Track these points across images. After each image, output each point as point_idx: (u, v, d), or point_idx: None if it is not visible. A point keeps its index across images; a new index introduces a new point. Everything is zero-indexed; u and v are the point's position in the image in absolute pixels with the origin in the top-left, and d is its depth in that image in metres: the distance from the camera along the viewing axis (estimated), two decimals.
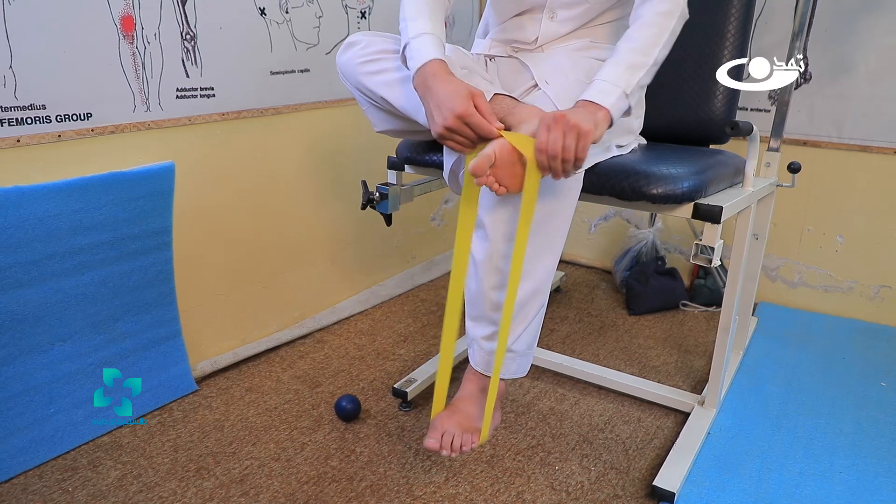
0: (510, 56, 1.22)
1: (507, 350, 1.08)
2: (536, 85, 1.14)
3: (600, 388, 1.53)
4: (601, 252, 2.32)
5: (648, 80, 1.05)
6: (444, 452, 1.04)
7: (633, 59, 1.02)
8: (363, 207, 1.35)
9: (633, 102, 1.03)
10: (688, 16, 1.09)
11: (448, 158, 1.12)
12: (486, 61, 1.23)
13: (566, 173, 0.94)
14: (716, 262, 1.08)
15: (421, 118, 1.07)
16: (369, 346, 1.73)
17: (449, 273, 2.27)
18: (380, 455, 1.28)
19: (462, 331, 1.79)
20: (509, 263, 1.03)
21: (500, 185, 0.93)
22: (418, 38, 1.01)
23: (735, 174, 1.25)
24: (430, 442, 1.04)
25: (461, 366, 1.62)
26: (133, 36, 1.27)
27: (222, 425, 1.37)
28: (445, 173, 1.14)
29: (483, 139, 0.96)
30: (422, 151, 1.28)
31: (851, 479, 1.23)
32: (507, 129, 1.00)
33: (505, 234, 1.03)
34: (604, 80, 1.00)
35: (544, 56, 1.18)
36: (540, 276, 1.05)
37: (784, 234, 1.96)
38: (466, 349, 1.17)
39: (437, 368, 1.09)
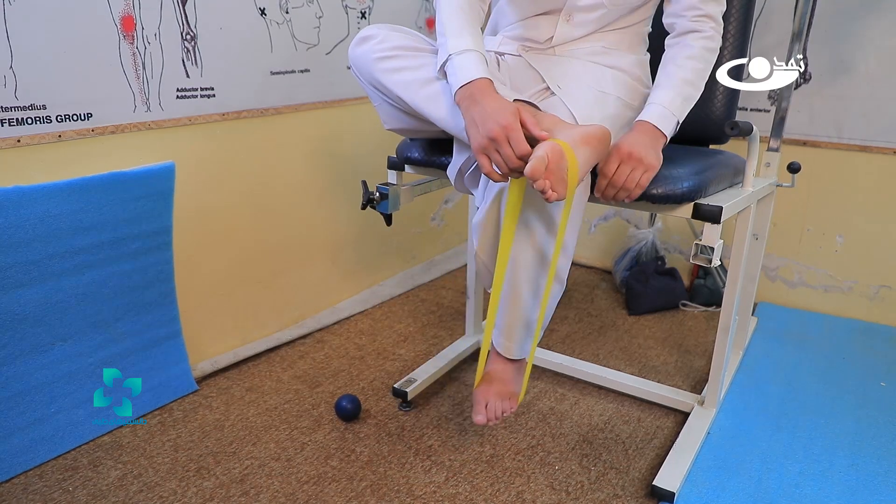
0: (520, 55, 1.22)
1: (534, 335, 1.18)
2: (548, 88, 1.14)
3: (600, 388, 1.53)
4: (601, 252, 2.32)
5: (686, 115, 1.12)
6: (491, 423, 1.15)
7: (687, 91, 1.10)
8: (363, 207, 1.35)
9: (675, 131, 1.11)
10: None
11: (458, 157, 1.12)
12: (497, 59, 1.22)
13: (616, 199, 1.03)
14: (715, 262, 1.08)
15: (436, 119, 1.07)
16: (369, 346, 1.73)
17: (449, 273, 2.29)
18: (380, 455, 1.28)
19: (461, 331, 1.80)
20: (534, 266, 1.09)
21: (552, 191, 0.92)
22: (462, 54, 1.01)
23: (735, 174, 1.25)
24: (479, 418, 1.13)
25: (461, 365, 1.62)
26: (133, 36, 1.27)
27: (222, 425, 1.37)
28: (452, 172, 1.14)
29: (520, 159, 0.95)
30: (422, 151, 1.27)
31: (851, 479, 1.23)
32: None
33: (534, 244, 1.08)
34: (664, 107, 1.07)
35: (556, 60, 1.18)
36: (559, 273, 1.13)
37: (784, 234, 1.97)
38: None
39: (481, 348, 1.19)
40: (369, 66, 1.10)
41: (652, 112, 1.07)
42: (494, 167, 0.98)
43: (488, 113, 0.95)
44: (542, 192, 0.92)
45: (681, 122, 1.10)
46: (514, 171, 0.96)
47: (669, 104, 1.07)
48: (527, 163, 0.93)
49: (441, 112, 1.06)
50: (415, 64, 1.08)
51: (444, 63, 1.03)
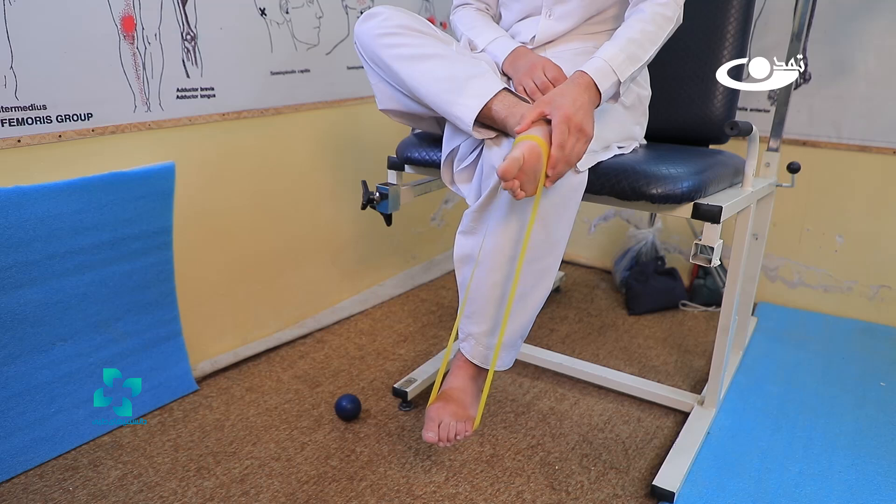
0: None
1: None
2: None
3: (600, 387, 1.53)
4: (601, 252, 2.32)
5: (633, 78, 1.09)
6: (442, 444, 1.07)
7: (632, 49, 1.05)
8: (363, 207, 1.35)
9: (623, 89, 1.07)
10: (682, 21, 1.13)
11: (448, 143, 1.12)
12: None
13: (558, 176, 0.97)
14: (715, 262, 1.08)
15: (427, 96, 1.06)
16: (369, 346, 1.73)
17: (449, 273, 2.29)
18: (380, 455, 1.28)
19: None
20: (511, 263, 1.04)
21: (521, 191, 0.92)
22: (496, 41, 1.21)
23: (735, 174, 1.25)
24: (429, 435, 1.06)
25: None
26: (133, 36, 1.27)
27: (222, 425, 1.37)
28: (442, 161, 1.14)
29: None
30: (422, 151, 1.28)
31: (850, 479, 1.23)
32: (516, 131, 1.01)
33: (510, 238, 1.04)
34: (605, 61, 1.03)
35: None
36: (544, 272, 1.07)
37: (783, 234, 1.97)
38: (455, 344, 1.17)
39: (443, 362, 1.12)
40: (371, 42, 1.11)
41: (592, 64, 1.03)
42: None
43: (537, 61, 1.12)
44: (511, 191, 0.92)
45: (623, 83, 1.05)
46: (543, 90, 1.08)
47: (611, 59, 1.03)
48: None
49: (432, 89, 1.06)
50: (415, 42, 1.09)
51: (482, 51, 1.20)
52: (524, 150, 0.91)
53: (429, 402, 1.11)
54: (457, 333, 1.11)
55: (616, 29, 1.20)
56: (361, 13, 1.76)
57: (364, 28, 1.13)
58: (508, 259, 1.05)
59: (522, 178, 0.91)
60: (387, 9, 1.12)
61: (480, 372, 1.14)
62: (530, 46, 1.23)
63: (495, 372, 1.10)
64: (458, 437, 1.07)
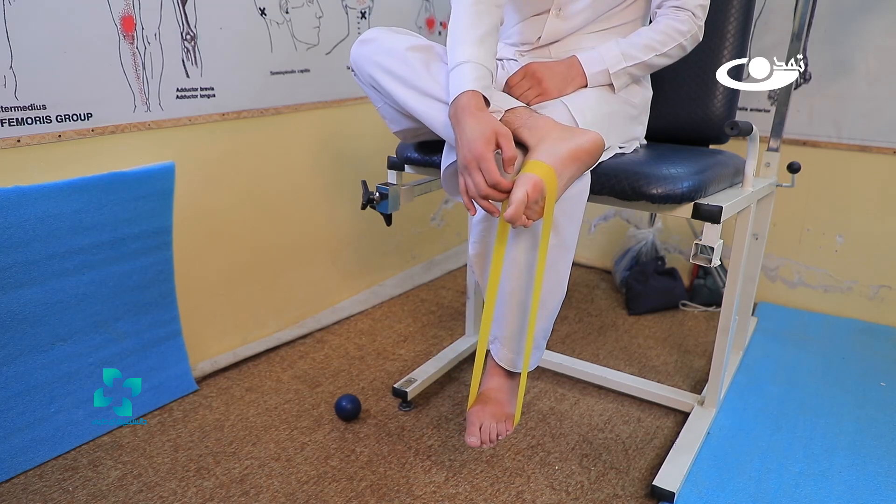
0: (515, 59, 1.22)
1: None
2: None
3: (600, 388, 1.53)
4: (601, 252, 2.32)
5: (640, 73, 1.17)
6: (485, 446, 1.08)
7: (631, 51, 1.14)
8: (363, 207, 1.35)
9: (617, 83, 1.15)
10: (700, 39, 1.20)
11: (448, 156, 1.12)
12: (497, 66, 1.22)
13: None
14: (715, 262, 1.08)
15: (428, 121, 1.05)
16: (369, 346, 1.73)
17: (449, 273, 2.29)
18: (380, 455, 1.28)
19: (461, 331, 1.80)
20: (528, 270, 1.05)
21: (528, 220, 0.92)
22: (458, 67, 0.99)
23: (735, 174, 1.25)
24: (472, 440, 1.07)
25: (461, 365, 1.62)
26: (133, 36, 1.27)
27: (222, 425, 1.37)
28: (443, 173, 1.14)
29: (493, 187, 0.94)
30: (422, 151, 1.27)
31: (851, 479, 1.23)
32: (524, 148, 1.00)
33: (522, 247, 1.05)
34: (599, 52, 1.14)
35: (552, 61, 1.18)
36: (559, 276, 1.07)
37: (784, 234, 1.97)
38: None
39: (474, 367, 1.12)
40: (369, 68, 1.10)
41: (586, 53, 1.14)
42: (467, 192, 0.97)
43: (465, 139, 0.94)
44: (522, 226, 0.93)
45: (613, 72, 1.13)
46: (487, 198, 0.95)
47: (605, 52, 1.13)
48: (501, 189, 0.93)
49: (437, 117, 1.04)
50: (413, 66, 1.06)
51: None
52: (527, 187, 0.90)
53: (468, 406, 1.12)
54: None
55: (626, 25, 1.22)
56: (362, 13, 1.77)
57: (359, 53, 1.11)
58: (524, 266, 1.05)
59: (528, 212, 0.91)
60: (381, 32, 1.10)
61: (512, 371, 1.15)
62: (535, 46, 1.22)
63: (518, 377, 1.12)
64: (499, 437, 1.08)
